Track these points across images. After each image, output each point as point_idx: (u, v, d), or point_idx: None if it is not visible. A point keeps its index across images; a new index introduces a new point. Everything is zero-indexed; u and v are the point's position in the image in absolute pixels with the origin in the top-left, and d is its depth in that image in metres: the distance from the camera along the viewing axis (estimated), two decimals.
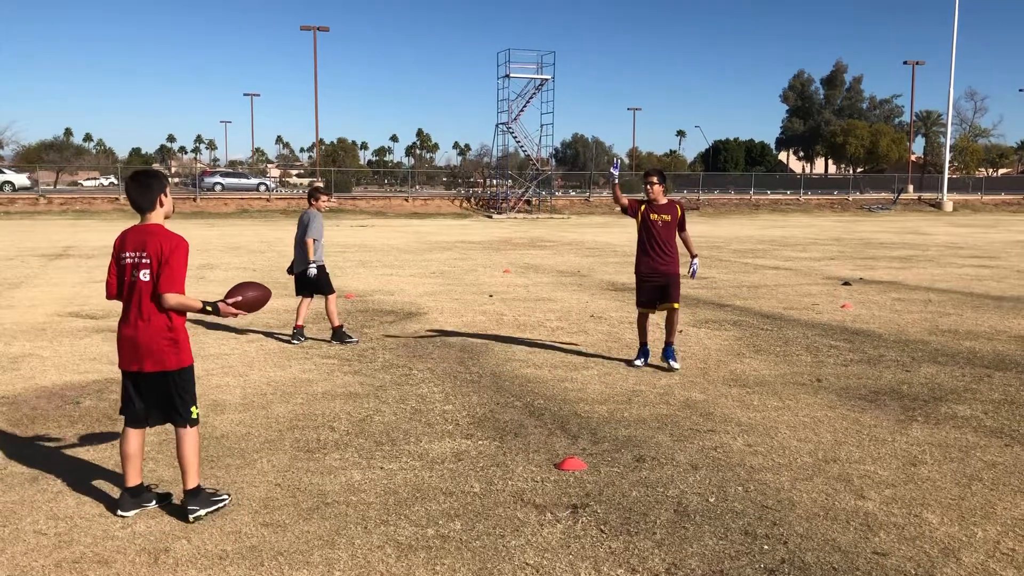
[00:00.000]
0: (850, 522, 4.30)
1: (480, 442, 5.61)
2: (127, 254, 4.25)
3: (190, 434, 4.36)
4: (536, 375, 7.56)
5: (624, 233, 30.37)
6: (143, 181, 4.34)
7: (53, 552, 3.93)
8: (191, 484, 4.34)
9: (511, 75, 46.65)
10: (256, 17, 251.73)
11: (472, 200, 49.76)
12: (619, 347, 8.85)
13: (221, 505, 4.41)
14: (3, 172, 49.04)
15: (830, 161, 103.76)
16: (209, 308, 4.32)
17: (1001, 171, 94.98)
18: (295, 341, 9.06)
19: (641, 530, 4.20)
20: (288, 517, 4.33)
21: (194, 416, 4.38)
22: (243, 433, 5.77)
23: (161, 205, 4.36)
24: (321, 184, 8.70)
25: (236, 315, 4.48)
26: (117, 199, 42.84)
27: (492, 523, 4.28)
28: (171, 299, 4.17)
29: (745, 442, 5.63)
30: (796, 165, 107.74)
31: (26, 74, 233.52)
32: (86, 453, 5.35)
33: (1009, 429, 5.96)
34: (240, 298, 4.45)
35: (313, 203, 9.28)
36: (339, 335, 9.05)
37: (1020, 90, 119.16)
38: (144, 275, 4.19)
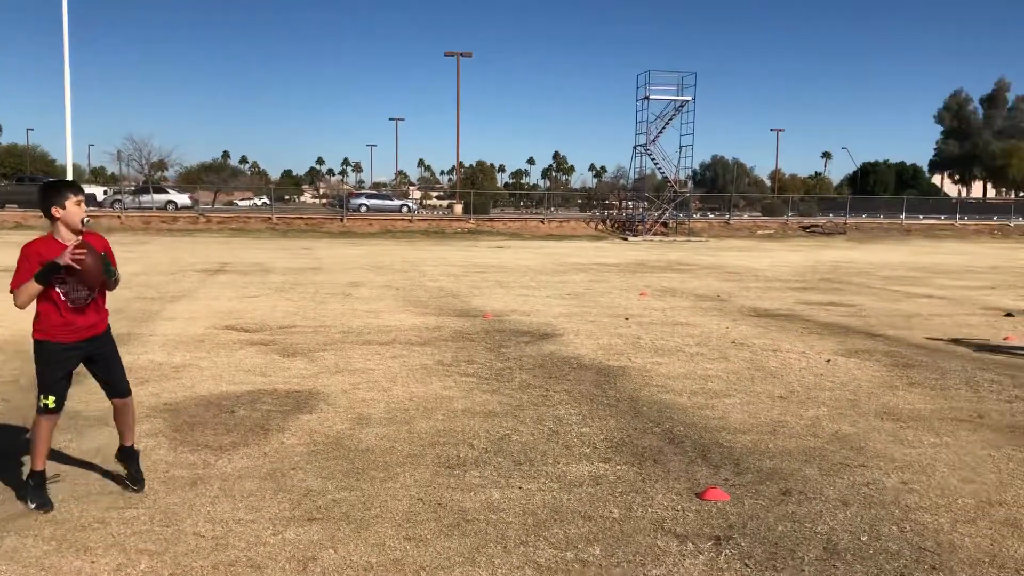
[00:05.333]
0: (1020, 572, 4.00)
1: (618, 467, 5.55)
2: None
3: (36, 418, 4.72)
4: (675, 401, 7.43)
5: (766, 257, 29.54)
6: (39, 193, 4.65)
7: (211, 554, 4.13)
8: (31, 468, 4.76)
9: (650, 97, 46.38)
10: (403, 44, 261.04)
11: (607, 222, 49.64)
12: (762, 375, 8.59)
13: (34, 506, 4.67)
14: (167, 192, 52.61)
15: (989, 185, 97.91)
16: (43, 269, 4.46)
17: None
18: None
19: (788, 567, 4.04)
20: (430, 532, 4.40)
21: (40, 403, 4.66)
22: (387, 447, 5.92)
23: (53, 216, 4.55)
24: None
25: (76, 264, 4.43)
26: (270, 218, 45.06)
27: (632, 550, 4.21)
28: (14, 297, 4.51)
29: (900, 479, 5.34)
30: (951, 189, 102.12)
31: (189, 101, 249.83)
32: (240, 461, 5.60)
33: None
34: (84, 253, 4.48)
35: None
36: None
37: None
38: None
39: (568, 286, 18.07)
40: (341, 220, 45.54)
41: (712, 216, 56.00)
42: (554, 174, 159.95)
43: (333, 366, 8.78)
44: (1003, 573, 3.99)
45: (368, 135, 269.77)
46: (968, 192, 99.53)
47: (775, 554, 4.18)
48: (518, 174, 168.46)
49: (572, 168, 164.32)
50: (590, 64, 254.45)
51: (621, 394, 7.67)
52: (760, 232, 48.34)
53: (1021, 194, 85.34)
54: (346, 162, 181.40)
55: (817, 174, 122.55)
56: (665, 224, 47.70)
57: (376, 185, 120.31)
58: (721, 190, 79.97)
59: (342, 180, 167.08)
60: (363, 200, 55.14)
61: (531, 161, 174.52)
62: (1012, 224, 52.99)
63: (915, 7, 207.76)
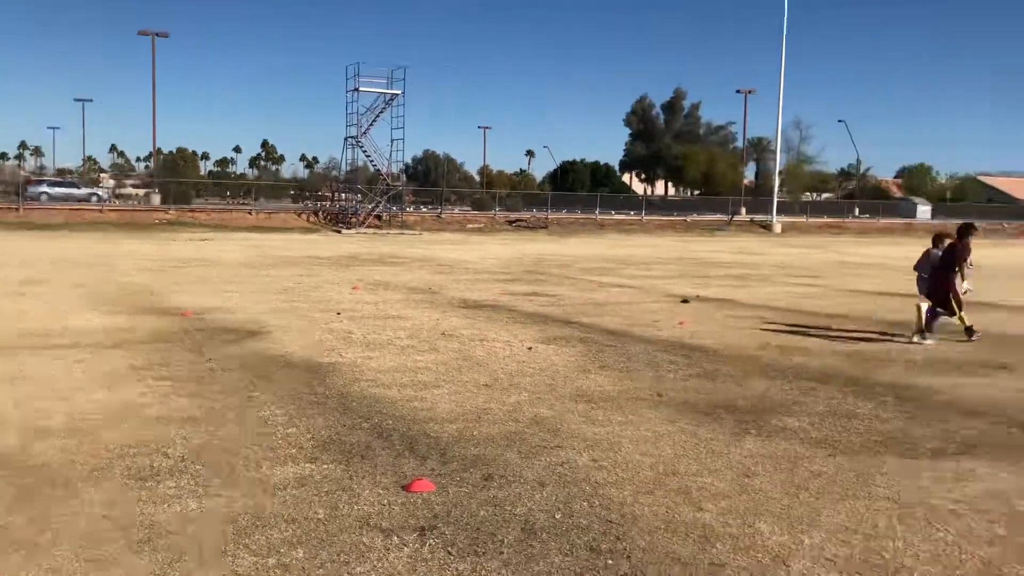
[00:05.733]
0: (689, 534, 4.45)
1: (325, 466, 5.46)
2: None
3: None
4: (384, 395, 7.45)
5: (476, 250, 30.55)
6: None
7: None
8: None
9: (360, 89, 46.13)
10: (89, 19, 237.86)
11: (320, 214, 48.79)
12: (469, 365, 8.85)
13: None
14: None
15: (670, 184, 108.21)
16: None
17: (824, 195, 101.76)
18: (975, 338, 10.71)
19: (489, 550, 4.19)
20: (116, 551, 4.06)
21: None
22: (67, 461, 5.38)
23: None
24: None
25: None
26: None
27: (336, 550, 4.16)
28: None
29: (590, 457, 5.74)
30: (639, 187, 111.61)
31: None
32: None
33: (832, 439, 6.34)
34: None
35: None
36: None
37: (839, 121, 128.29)
38: None
39: (277, 281, 17.54)
40: (17, 210, 40.86)
41: (425, 210, 56.85)
42: (263, 163, 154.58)
43: (3, 374, 7.85)
44: (675, 537, 4.41)
45: (50, 117, 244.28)
46: (653, 190, 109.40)
47: (477, 539, 4.32)
48: (224, 162, 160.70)
49: (282, 158, 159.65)
50: (299, 51, 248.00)
51: (331, 391, 7.57)
52: (470, 226, 49.91)
53: (697, 192, 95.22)
54: (23, 146, 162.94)
55: (522, 171, 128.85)
56: (379, 217, 47.73)
57: (60, 171, 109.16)
58: (433, 184, 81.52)
59: (19, 165, 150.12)
60: (44, 188, 49.82)
61: (237, 149, 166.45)
62: (690, 220, 59.00)
63: (606, 14, 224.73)
